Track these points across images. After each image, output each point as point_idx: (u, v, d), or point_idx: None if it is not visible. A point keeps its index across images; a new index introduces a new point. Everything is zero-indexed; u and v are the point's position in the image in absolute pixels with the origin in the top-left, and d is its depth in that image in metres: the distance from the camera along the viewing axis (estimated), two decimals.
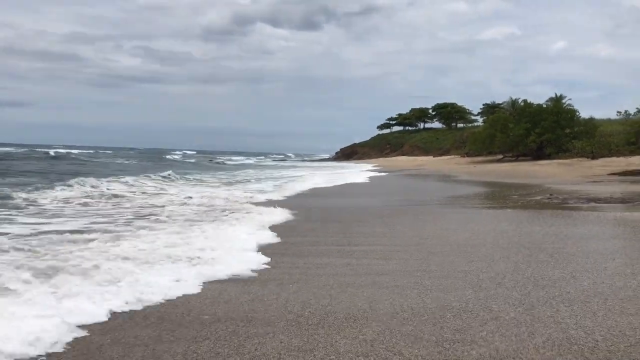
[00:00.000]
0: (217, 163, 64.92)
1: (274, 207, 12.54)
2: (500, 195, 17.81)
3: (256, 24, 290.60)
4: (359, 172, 39.58)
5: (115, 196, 15.98)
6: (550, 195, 16.44)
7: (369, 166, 57.17)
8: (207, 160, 73.23)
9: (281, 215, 11.37)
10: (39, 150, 73.03)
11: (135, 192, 17.84)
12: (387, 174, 38.15)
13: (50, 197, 14.85)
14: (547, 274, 6.08)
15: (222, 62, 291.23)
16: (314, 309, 4.89)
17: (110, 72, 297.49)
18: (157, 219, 10.62)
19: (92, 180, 19.18)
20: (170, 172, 28.23)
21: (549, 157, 45.12)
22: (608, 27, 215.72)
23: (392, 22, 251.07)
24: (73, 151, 78.13)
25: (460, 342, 4.04)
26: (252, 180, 28.05)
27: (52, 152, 67.36)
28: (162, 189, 19.66)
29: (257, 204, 13.83)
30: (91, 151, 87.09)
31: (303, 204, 14.14)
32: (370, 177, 31.78)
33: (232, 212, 11.73)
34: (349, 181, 27.47)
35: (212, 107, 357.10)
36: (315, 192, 19.80)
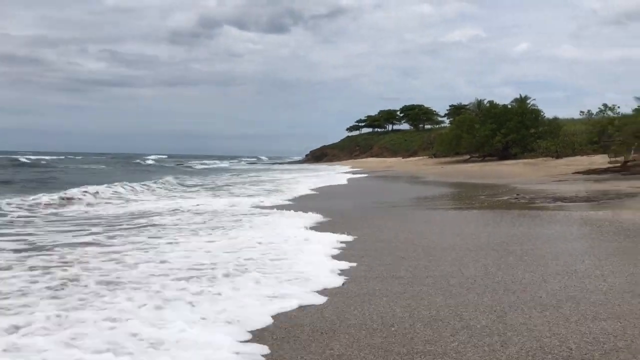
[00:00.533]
0: (188, 167, 64.03)
1: (287, 210, 12.76)
2: (467, 196, 17.87)
3: (223, 26, 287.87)
4: (337, 175, 39.18)
5: (109, 203, 15.68)
6: (517, 195, 16.55)
7: (346, 168, 56.62)
8: (176, 164, 72.14)
9: (308, 218, 11.35)
10: (3, 157, 70.55)
11: (144, 199, 17.61)
12: (365, 175, 37.91)
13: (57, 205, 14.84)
14: (517, 277, 5.99)
15: (190, 65, 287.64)
16: (280, 321, 4.67)
17: (75, 76, 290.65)
18: (185, 227, 10.25)
19: (95, 187, 18.71)
20: (170, 177, 28.01)
21: (514, 157, 45.78)
22: (571, 29, 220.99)
23: (359, 25, 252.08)
24: (45, 157, 76.02)
25: (431, 354, 3.87)
26: (238, 185, 27.00)
27: (23, 158, 65.30)
28: (148, 196, 19.19)
29: (272, 207, 13.94)
30: (61, 157, 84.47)
31: (308, 206, 13.83)
32: (349, 179, 31.54)
33: (251, 216, 11.84)
34: (333, 183, 27.31)
35: (181, 111, 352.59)
36: (312, 196, 19.52)
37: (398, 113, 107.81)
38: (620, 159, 26.85)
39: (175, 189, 23.59)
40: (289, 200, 17.05)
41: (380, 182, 29.76)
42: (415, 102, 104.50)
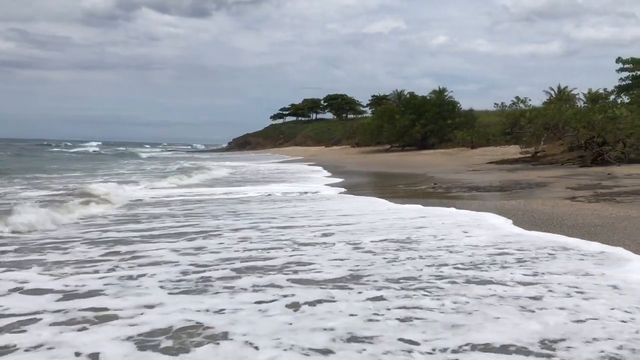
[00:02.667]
0: (133, 155, 60.23)
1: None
2: (386, 185, 17.76)
3: (141, 9, 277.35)
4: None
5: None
6: (434, 184, 16.59)
7: (285, 157, 55.21)
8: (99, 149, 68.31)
9: None
10: None
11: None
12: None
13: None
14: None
15: (106, 48, 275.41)
16: None
17: None
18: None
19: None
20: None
21: (432, 146, 46.89)
22: (485, 24, 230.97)
23: (283, 13, 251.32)
24: None
25: None
26: (246, 175, 25.85)
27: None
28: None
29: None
30: None
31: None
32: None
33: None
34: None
35: (97, 95, 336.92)
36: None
37: (322, 102, 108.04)
38: (531, 149, 27.90)
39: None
40: (330, 185, 17.50)
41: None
42: (338, 92, 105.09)
